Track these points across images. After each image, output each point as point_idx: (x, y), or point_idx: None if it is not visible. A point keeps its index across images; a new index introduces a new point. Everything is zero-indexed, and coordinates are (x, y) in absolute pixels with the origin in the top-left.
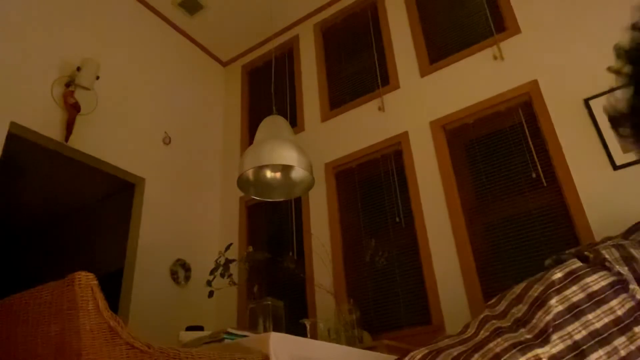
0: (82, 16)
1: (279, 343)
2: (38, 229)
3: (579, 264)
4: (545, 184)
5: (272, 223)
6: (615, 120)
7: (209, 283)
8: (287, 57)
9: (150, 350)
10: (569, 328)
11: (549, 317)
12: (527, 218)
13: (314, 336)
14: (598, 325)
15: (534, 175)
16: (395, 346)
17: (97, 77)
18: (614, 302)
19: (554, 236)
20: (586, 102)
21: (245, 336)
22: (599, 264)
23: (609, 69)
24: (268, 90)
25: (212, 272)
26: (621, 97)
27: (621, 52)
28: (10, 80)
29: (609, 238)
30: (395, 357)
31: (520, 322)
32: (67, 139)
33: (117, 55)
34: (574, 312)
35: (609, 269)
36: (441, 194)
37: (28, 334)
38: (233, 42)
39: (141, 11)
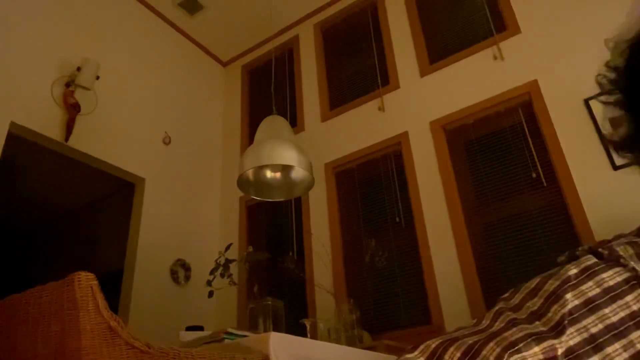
0: (82, 16)
1: (279, 343)
2: (38, 229)
3: (594, 260)
4: (545, 184)
5: (272, 223)
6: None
7: (209, 283)
8: (287, 57)
9: (150, 350)
10: (585, 321)
11: (564, 310)
12: (527, 218)
13: (314, 336)
14: (614, 319)
15: (534, 175)
16: (395, 346)
17: (97, 77)
18: (629, 297)
19: (554, 236)
20: (586, 102)
21: (245, 336)
22: (614, 261)
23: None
24: (268, 90)
25: (212, 272)
26: (614, 122)
27: (605, 83)
28: (10, 80)
29: (621, 236)
30: (395, 358)
31: (536, 315)
32: (67, 139)
33: (117, 55)
34: (590, 306)
35: (623, 266)
36: (441, 194)
37: (28, 334)
38: (233, 42)
39: (141, 11)
